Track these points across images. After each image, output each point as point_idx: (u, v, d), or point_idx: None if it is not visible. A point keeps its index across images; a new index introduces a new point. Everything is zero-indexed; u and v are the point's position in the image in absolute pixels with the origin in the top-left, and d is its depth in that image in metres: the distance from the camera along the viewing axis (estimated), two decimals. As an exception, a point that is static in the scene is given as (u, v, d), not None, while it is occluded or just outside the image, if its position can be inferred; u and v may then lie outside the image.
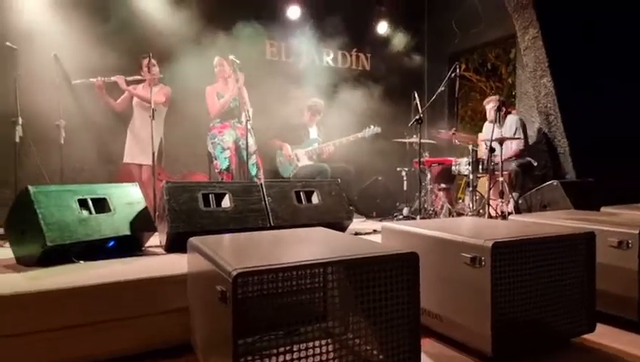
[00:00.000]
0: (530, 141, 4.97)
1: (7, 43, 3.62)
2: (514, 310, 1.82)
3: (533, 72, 4.99)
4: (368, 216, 5.01)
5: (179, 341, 2.05)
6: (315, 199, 3.32)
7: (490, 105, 4.78)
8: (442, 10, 6.65)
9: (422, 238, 2.15)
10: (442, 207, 4.78)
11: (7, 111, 3.50)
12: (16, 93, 3.51)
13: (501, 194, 4.15)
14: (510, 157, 4.57)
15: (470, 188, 4.31)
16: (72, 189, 2.55)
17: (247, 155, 4.21)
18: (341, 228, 3.28)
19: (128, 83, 4.36)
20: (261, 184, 3.20)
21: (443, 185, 4.95)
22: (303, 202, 3.28)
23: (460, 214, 4.60)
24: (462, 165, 4.43)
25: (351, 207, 3.52)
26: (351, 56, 6.47)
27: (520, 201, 4.22)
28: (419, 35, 6.60)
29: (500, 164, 4.15)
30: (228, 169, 4.35)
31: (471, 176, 4.30)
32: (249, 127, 4.14)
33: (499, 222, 3.18)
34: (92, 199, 2.58)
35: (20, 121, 3.48)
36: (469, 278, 1.86)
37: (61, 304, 1.90)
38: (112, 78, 4.30)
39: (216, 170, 4.39)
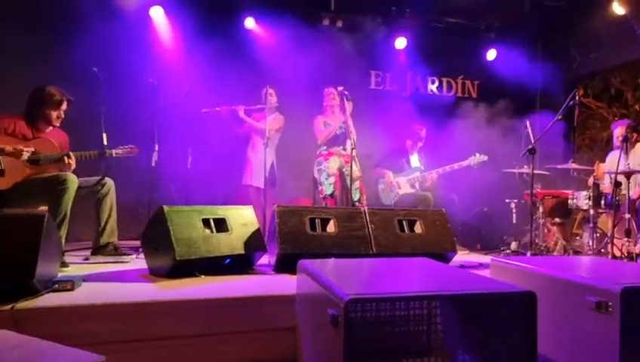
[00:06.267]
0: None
1: (150, 79, 4.19)
2: (648, 366, 1.63)
3: (668, 98, 4.45)
4: (472, 249, 4.79)
5: (285, 358, 2.16)
6: (418, 228, 3.29)
7: (617, 130, 4.33)
8: (559, 34, 6.26)
9: (537, 277, 2.02)
10: (556, 243, 4.41)
11: (146, 139, 4.01)
12: (154, 123, 4.04)
13: (628, 233, 3.71)
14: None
15: (590, 225, 3.93)
16: (198, 209, 2.85)
17: (350, 181, 4.33)
18: (445, 259, 3.20)
19: (247, 111, 4.79)
20: (364, 211, 3.26)
21: (557, 220, 4.57)
22: (406, 231, 3.26)
23: (576, 252, 4.20)
24: (580, 199, 4.06)
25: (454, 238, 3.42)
26: (457, 83, 6.36)
27: (653, 242, 3.73)
28: (532, 61, 6.26)
29: (627, 199, 3.73)
30: (332, 195, 4.51)
31: (591, 212, 3.92)
32: (354, 154, 4.26)
33: (628, 264, 2.86)
34: (214, 219, 2.85)
35: (157, 147, 3.98)
36: (592, 325, 1.70)
37: (189, 313, 2.10)
38: (234, 108, 4.76)
39: (321, 196, 4.57)
